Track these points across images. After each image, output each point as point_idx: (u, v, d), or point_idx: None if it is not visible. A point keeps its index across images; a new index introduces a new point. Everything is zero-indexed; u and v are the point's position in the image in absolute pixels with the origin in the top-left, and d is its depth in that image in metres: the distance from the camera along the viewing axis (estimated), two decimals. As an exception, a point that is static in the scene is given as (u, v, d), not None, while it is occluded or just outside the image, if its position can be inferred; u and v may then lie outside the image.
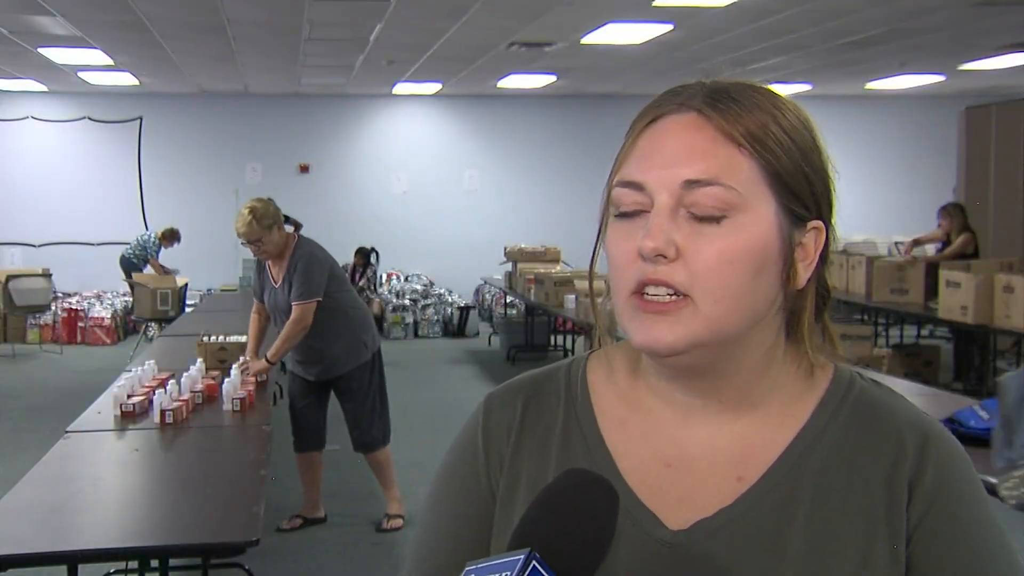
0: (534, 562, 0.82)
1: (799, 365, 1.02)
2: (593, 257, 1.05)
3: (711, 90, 0.97)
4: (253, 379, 4.98)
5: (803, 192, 0.96)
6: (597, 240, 1.03)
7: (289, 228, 5.26)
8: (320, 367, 5.26)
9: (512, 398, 1.08)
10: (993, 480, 3.19)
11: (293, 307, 4.99)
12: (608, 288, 1.02)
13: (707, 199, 0.92)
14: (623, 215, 0.96)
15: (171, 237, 11.70)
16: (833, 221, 1.00)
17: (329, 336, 5.16)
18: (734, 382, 0.99)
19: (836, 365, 1.03)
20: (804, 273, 0.97)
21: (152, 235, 11.70)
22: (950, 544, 0.95)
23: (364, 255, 12.42)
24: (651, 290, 0.93)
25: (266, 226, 4.97)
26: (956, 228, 9.41)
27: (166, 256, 11.74)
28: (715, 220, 0.93)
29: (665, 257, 0.92)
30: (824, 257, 0.99)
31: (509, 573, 0.81)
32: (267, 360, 5.09)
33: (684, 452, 1.00)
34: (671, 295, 0.92)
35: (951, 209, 9.65)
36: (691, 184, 0.93)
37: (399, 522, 5.43)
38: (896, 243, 11.55)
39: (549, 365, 1.12)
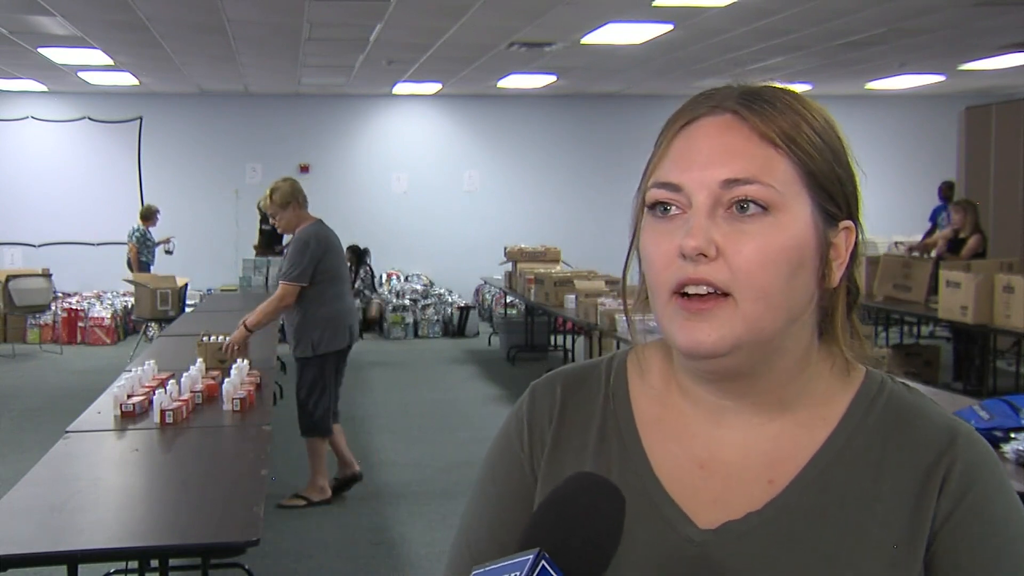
0: (543, 562, 0.82)
1: (832, 365, 1.02)
2: (626, 265, 1.06)
3: (743, 92, 0.98)
4: (236, 353, 5.24)
5: (836, 192, 0.98)
6: (630, 248, 1.04)
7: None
8: (291, 343, 5.61)
9: (553, 385, 1.10)
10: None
11: (279, 283, 5.43)
12: (639, 292, 1.03)
13: (747, 196, 0.93)
14: (659, 216, 0.97)
15: (150, 216, 11.72)
16: (861, 220, 1.01)
17: (289, 316, 5.57)
18: (769, 385, 0.99)
19: (868, 368, 1.04)
20: (838, 272, 0.99)
21: (137, 225, 11.70)
22: (975, 542, 0.94)
23: (356, 254, 12.43)
24: (692, 288, 0.94)
25: (279, 204, 5.45)
26: (968, 226, 9.36)
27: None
28: (754, 218, 0.93)
29: (706, 256, 0.93)
30: (853, 256, 1.00)
31: (519, 572, 0.82)
32: (244, 326, 5.33)
33: (717, 454, 1.01)
34: (712, 292, 0.93)
35: (965, 205, 9.59)
36: (730, 183, 0.93)
37: (300, 502, 5.64)
38: (896, 243, 11.57)
39: (591, 360, 1.14)
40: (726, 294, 0.93)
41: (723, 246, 0.93)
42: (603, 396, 1.08)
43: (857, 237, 1.00)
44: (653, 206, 0.97)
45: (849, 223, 0.99)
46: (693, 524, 0.98)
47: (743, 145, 0.95)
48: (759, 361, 0.97)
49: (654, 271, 0.97)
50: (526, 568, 0.81)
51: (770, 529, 0.96)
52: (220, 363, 5.17)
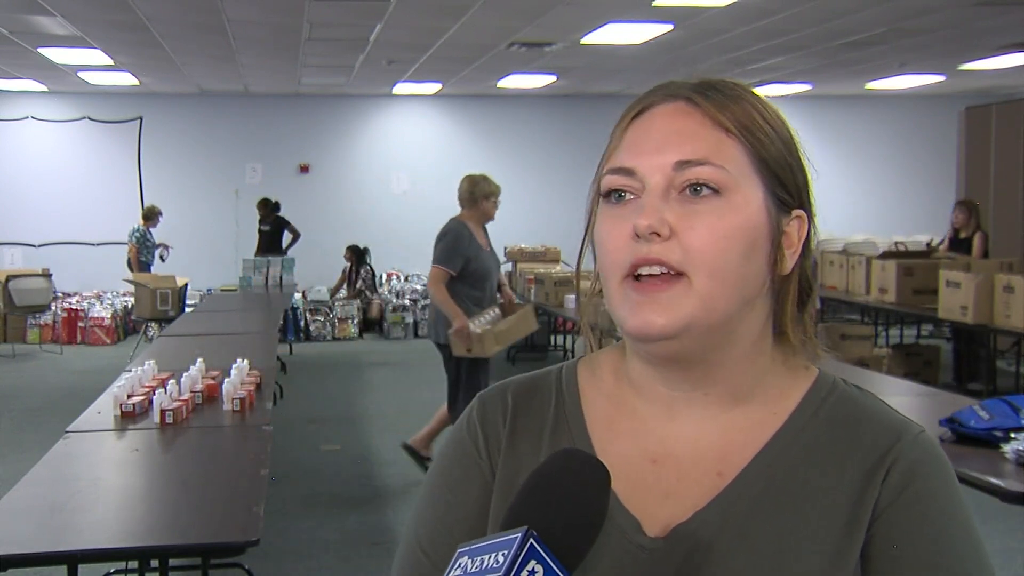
0: (532, 540, 0.80)
1: (785, 360, 1.03)
2: (580, 255, 1.06)
3: (698, 83, 1.00)
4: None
5: (787, 179, 0.98)
6: (584, 236, 1.04)
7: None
8: None
9: (503, 393, 1.09)
10: (995, 480, 3.19)
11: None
12: (592, 285, 1.03)
13: (699, 179, 0.94)
14: (613, 200, 0.98)
15: (152, 217, 11.77)
16: (814, 213, 1.02)
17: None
18: (721, 374, 0.99)
19: (821, 369, 1.04)
20: (790, 259, 0.99)
21: (138, 226, 11.73)
22: (910, 532, 0.94)
23: (356, 253, 12.42)
24: (645, 269, 0.94)
25: None
26: (971, 226, 9.37)
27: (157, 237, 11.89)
28: (707, 199, 0.94)
29: (659, 236, 0.93)
30: (806, 249, 1.01)
31: (507, 551, 0.80)
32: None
33: (669, 448, 1.01)
34: (665, 272, 0.93)
35: (970, 205, 9.59)
36: (682, 165, 0.95)
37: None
38: (896, 243, 11.55)
39: (540, 370, 1.13)
40: (680, 273, 0.93)
41: (676, 226, 0.93)
42: (554, 401, 1.07)
43: (809, 229, 1.01)
44: (608, 194, 0.98)
45: (801, 212, 1.00)
46: (642, 531, 0.97)
47: (695, 129, 0.96)
48: (711, 346, 0.97)
49: (607, 254, 0.97)
50: (514, 547, 0.80)
51: (718, 526, 0.96)
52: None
